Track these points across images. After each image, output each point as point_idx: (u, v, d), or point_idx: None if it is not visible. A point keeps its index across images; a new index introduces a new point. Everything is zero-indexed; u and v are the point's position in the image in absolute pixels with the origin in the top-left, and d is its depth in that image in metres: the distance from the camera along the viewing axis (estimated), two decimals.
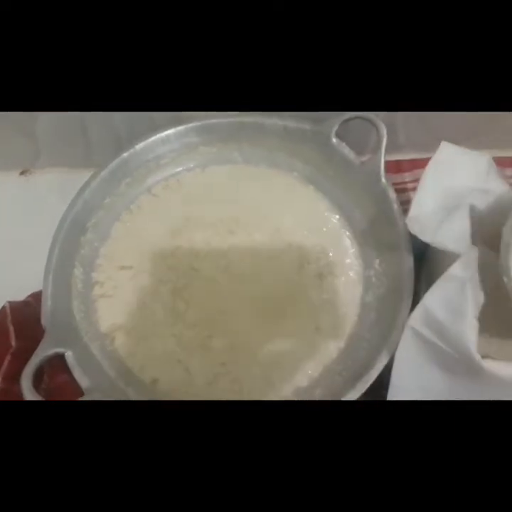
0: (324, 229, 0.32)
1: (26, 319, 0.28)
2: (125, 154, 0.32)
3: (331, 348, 0.28)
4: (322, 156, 0.32)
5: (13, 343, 0.27)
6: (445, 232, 0.24)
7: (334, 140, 0.31)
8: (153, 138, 0.33)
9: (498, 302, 0.25)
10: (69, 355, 0.26)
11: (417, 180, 0.37)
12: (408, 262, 0.27)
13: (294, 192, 0.33)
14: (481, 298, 0.23)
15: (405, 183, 0.36)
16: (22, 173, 0.40)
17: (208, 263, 0.31)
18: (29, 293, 0.31)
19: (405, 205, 0.32)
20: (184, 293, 0.30)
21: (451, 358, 0.22)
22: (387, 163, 0.31)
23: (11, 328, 0.27)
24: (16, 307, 0.29)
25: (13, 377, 0.25)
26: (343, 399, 0.24)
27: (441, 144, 0.27)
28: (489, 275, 0.25)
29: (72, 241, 0.31)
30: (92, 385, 0.25)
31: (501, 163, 0.32)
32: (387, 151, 0.30)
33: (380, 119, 0.30)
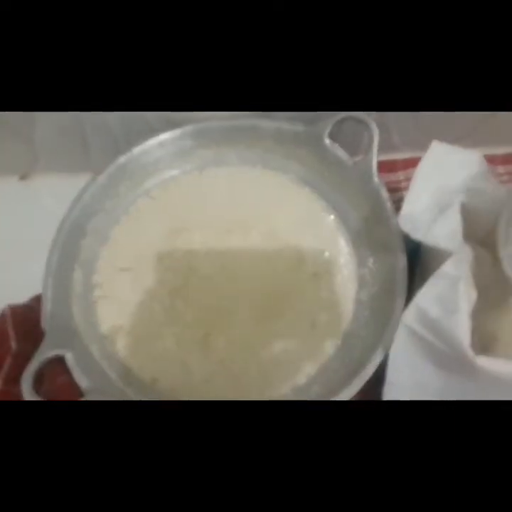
0: (320, 229, 0.32)
1: (26, 322, 0.29)
2: (123, 158, 0.33)
3: (328, 346, 0.28)
4: (316, 157, 0.33)
5: (14, 345, 0.27)
6: (437, 230, 0.24)
7: (327, 141, 0.32)
8: (150, 142, 0.33)
9: (490, 298, 0.26)
10: (69, 357, 0.26)
11: (410, 179, 0.37)
12: (401, 260, 0.27)
13: (289, 193, 0.34)
14: (473, 295, 0.23)
15: (399, 182, 0.37)
16: (21, 177, 0.40)
17: (205, 263, 0.32)
18: (29, 296, 0.32)
19: (399, 203, 0.32)
20: (182, 293, 0.31)
21: (445, 355, 0.23)
22: (380, 162, 0.31)
23: (12, 331, 0.27)
24: (16, 310, 0.29)
25: (14, 379, 0.25)
26: (339, 395, 0.24)
27: (432, 143, 0.28)
28: (481, 272, 0.25)
29: (72, 244, 0.31)
30: (92, 386, 0.26)
31: (493, 160, 0.33)
32: (380, 151, 0.31)
33: (372, 119, 0.30)
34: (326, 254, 0.31)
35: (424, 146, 0.37)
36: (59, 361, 0.26)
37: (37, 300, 0.30)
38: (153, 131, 0.34)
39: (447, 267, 0.23)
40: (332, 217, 0.33)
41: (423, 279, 0.27)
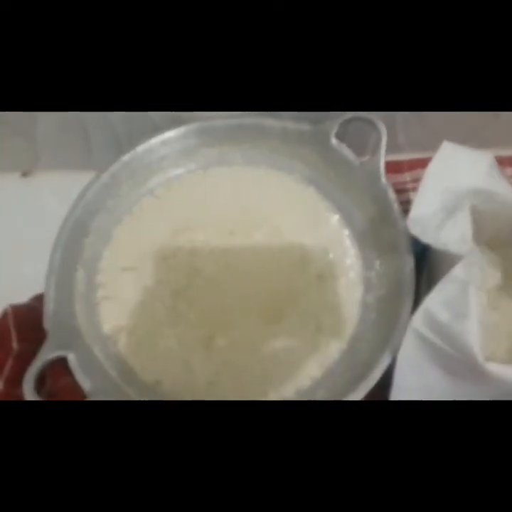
0: (325, 229, 0.32)
1: (28, 322, 0.28)
2: (126, 157, 0.32)
3: (333, 349, 0.28)
4: (322, 157, 0.32)
5: (15, 346, 0.27)
6: (446, 233, 0.24)
7: (334, 141, 0.31)
8: (153, 140, 0.33)
9: (501, 302, 0.25)
10: (71, 358, 0.26)
11: (417, 180, 0.37)
12: (409, 263, 0.27)
13: (294, 193, 0.33)
14: (483, 299, 0.23)
15: (405, 183, 0.36)
16: (23, 175, 0.40)
17: (208, 263, 0.31)
18: (31, 295, 0.31)
19: (405, 205, 0.32)
20: (185, 293, 0.30)
21: (454, 359, 0.22)
22: (387, 163, 0.31)
23: (13, 332, 0.27)
24: (18, 310, 0.29)
25: (16, 380, 0.25)
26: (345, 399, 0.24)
27: (442, 143, 0.27)
28: (492, 276, 0.25)
29: (75, 243, 0.31)
30: (95, 387, 0.25)
31: (502, 162, 0.32)
32: (386, 152, 0.30)
33: (379, 120, 0.30)
34: (331, 255, 0.31)
35: (430, 147, 0.37)
36: (61, 362, 0.26)
37: (39, 299, 0.30)
38: (157, 129, 0.33)
39: (457, 271, 0.22)
40: (337, 217, 0.32)
41: (431, 282, 0.27)
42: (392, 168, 0.35)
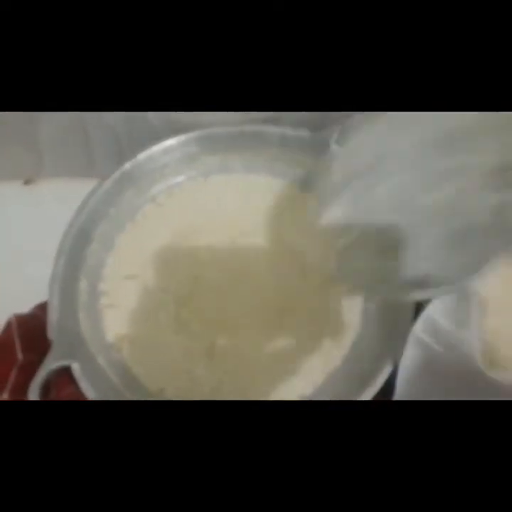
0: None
1: (32, 332, 0.28)
2: (128, 165, 0.33)
3: (335, 356, 0.28)
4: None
5: (20, 356, 0.27)
6: None
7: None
8: (155, 148, 0.33)
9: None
10: (75, 367, 0.26)
11: None
12: None
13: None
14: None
15: None
16: (25, 182, 0.40)
17: (211, 271, 0.31)
18: (34, 303, 0.32)
19: None
20: (188, 301, 0.30)
21: (456, 367, 0.22)
22: None
23: (18, 342, 0.27)
24: (22, 320, 0.29)
25: (21, 390, 0.25)
26: None
27: None
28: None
29: (78, 251, 0.31)
30: (99, 397, 0.25)
31: None
32: None
33: None
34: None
35: None
36: (66, 371, 0.26)
37: (42, 308, 0.30)
38: (158, 138, 0.33)
39: None
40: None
41: None
42: None
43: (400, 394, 0.24)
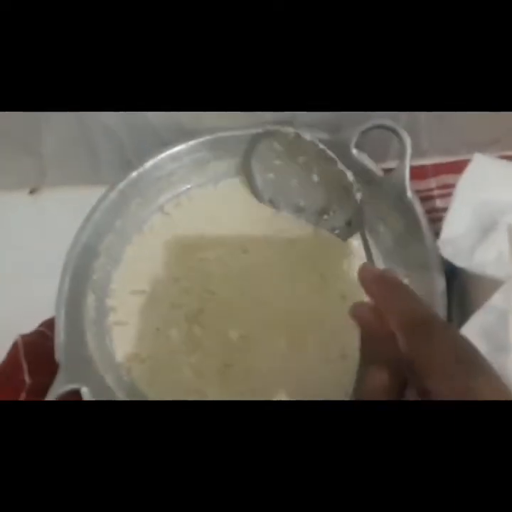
0: (344, 245, 0.30)
1: (39, 352, 0.27)
2: (134, 173, 0.31)
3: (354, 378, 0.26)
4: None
5: (28, 379, 0.26)
6: (482, 255, 0.22)
7: (354, 151, 0.29)
8: (162, 155, 0.31)
9: None
10: (84, 391, 0.25)
11: (443, 186, 0.35)
12: (440, 283, 0.25)
13: None
14: None
15: (431, 190, 0.34)
16: (31, 192, 0.39)
17: (223, 285, 0.30)
18: (40, 319, 0.30)
19: (431, 213, 0.30)
20: (200, 318, 0.29)
21: None
22: (410, 168, 0.28)
23: (25, 365, 0.26)
24: (29, 341, 0.28)
25: None
26: None
27: (474, 156, 0.25)
28: None
29: (84, 267, 0.30)
30: None
31: None
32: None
33: (402, 129, 0.28)
34: (354, 273, 0.29)
35: (454, 151, 0.35)
36: (75, 394, 0.25)
37: (49, 325, 0.29)
38: (164, 143, 0.32)
39: (496, 301, 0.20)
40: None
41: (463, 306, 0.25)
42: (416, 173, 0.33)
43: None
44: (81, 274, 0.29)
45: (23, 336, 0.28)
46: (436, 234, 0.26)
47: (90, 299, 0.29)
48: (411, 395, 0.17)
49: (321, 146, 0.28)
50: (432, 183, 0.34)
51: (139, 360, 0.28)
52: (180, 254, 0.31)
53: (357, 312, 0.19)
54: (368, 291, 0.19)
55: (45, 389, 0.25)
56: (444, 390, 0.15)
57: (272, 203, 0.32)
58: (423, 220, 0.27)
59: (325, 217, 0.30)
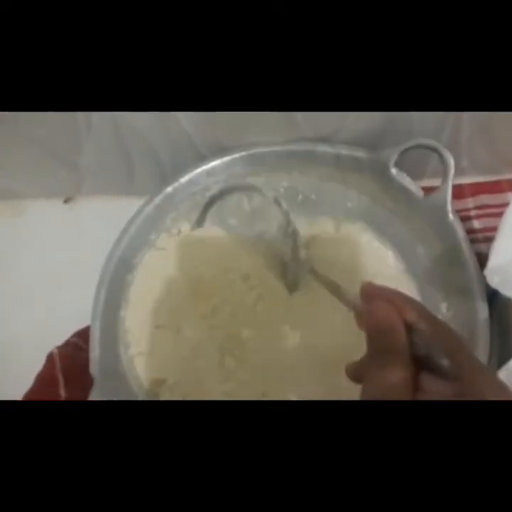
0: (379, 265, 0.30)
1: (74, 365, 0.28)
2: (170, 189, 0.31)
3: None
4: (379, 187, 0.30)
5: (63, 393, 0.26)
6: None
7: (393, 170, 0.29)
8: (198, 170, 0.31)
9: None
10: None
11: (480, 206, 0.34)
12: (482, 311, 0.24)
13: (343, 225, 0.31)
14: None
15: (468, 210, 0.33)
16: (65, 201, 0.39)
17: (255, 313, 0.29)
18: (72, 324, 0.30)
19: (469, 234, 0.29)
20: (233, 349, 0.28)
21: None
22: None
23: (60, 377, 0.27)
24: (64, 354, 0.28)
25: None
26: None
27: None
28: None
29: (119, 279, 0.30)
30: None
31: None
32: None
33: (444, 148, 0.27)
34: None
35: (493, 170, 0.34)
36: None
37: (82, 336, 0.29)
38: (200, 155, 0.32)
39: None
40: (391, 253, 0.30)
41: (503, 332, 0.24)
42: (453, 192, 0.32)
43: None
44: (115, 287, 0.29)
45: (59, 348, 0.28)
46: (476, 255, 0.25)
47: (124, 312, 0.29)
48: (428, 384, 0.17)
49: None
50: (470, 203, 0.33)
51: (169, 387, 0.28)
52: (212, 276, 0.30)
53: (371, 309, 0.18)
54: (378, 295, 0.19)
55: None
56: (479, 379, 0.16)
57: None
58: (465, 245, 0.26)
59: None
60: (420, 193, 0.28)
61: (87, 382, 0.26)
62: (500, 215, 0.25)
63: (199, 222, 0.31)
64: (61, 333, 0.31)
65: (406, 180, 0.29)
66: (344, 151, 0.30)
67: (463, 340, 0.18)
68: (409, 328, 0.17)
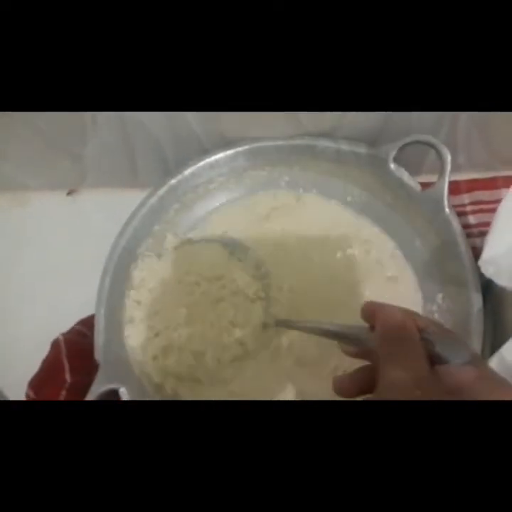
0: (378, 254, 0.30)
1: (78, 351, 0.28)
2: (173, 181, 0.32)
3: None
4: (378, 181, 0.31)
5: (68, 378, 0.27)
6: None
7: (392, 165, 0.29)
8: (201, 163, 0.32)
9: None
10: (123, 392, 0.26)
11: (476, 202, 0.35)
12: (476, 301, 0.25)
13: (344, 217, 0.32)
14: None
15: (464, 205, 0.34)
16: (69, 193, 0.40)
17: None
18: (76, 313, 0.31)
19: (464, 229, 0.30)
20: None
21: None
22: None
23: (66, 363, 0.27)
24: (70, 340, 0.28)
25: None
26: None
27: None
28: None
29: (123, 269, 0.30)
30: None
31: None
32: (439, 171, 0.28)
33: (442, 144, 0.28)
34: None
35: (489, 167, 0.35)
36: (113, 394, 0.26)
37: (86, 324, 0.30)
38: (203, 148, 0.32)
39: None
40: (392, 244, 0.31)
41: (497, 321, 0.25)
42: (449, 188, 0.33)
43: None
44: (120, 276, 0.30)
45: (64, 335, 0.29)
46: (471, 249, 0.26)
47: (129, 301, 0.30)
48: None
49: None
50: (465, 198, 0.34)
51: (175, 376, 0.28)
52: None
53: (385, 314, 0.19)
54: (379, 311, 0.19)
55: (84, 388, 0.25)
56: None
57: None
58: (461, 238, 0.27)
59: None
60: (418, 188, 0.29)
61: (92, 367, 0.27)
62: (494, 211, 0.26)
63: None
64: (65, 323, 0.31)
65: (404, 176, 0.29)
66: (345, 146, 0.31)
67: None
68: (420, 331, 0.18)
